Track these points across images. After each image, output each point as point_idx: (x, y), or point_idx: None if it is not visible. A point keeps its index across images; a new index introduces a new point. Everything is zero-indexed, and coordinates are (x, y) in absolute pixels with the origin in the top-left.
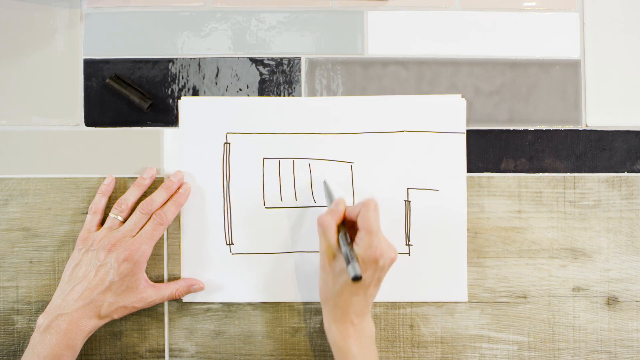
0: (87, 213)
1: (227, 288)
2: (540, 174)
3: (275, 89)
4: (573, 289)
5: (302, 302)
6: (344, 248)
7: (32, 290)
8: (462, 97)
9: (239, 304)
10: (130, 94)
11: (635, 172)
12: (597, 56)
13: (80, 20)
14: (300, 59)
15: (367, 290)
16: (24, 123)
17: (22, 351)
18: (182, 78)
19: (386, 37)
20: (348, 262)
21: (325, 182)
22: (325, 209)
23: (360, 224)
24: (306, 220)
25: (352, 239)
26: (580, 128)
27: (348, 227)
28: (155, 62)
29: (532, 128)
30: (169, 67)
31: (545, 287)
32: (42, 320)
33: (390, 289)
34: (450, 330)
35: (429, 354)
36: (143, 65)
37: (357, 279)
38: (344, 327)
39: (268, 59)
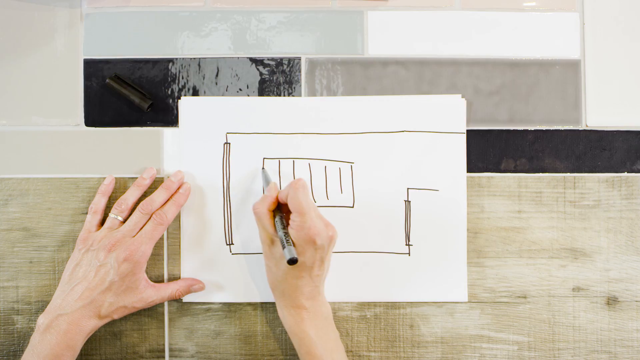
0: (87, 213)
1: (227, 288)
2: (540, 174)
3: (275, 89)
4: (573, 289)
5: None
6: (280, 232)
7: (32, 290)
8: (462, 97)
9: (239, 304)
10: (130, 94)
11: (635, 172)
12: (597, 56)
13: (80, 20)
14: (300, 59)
15: (311, 272)
16: (24, 123)
17: (22, 351)
18: (182, 78)
19: (386, 37)
20: (284, 247)
21: (263, 169)
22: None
23: (290, 206)
24: None
25: (289, 224)
26: (580, 128)
27: (285, 212)
28: (155, 62)
29: (532, 128)
30: (169, 67)
31: (545, 287)
32: (42, 320)
33: (390, 289)
34: (450, 330)
35: (429, 354)
36: (143, 65)
37: (292, 262)
38: (296, 312)
39: (268, 59)
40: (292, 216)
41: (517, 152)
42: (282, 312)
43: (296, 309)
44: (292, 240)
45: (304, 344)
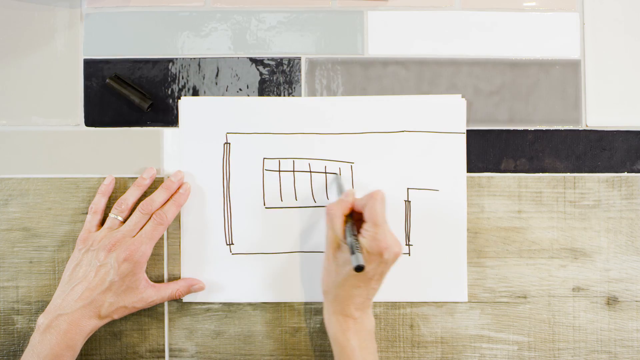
0: (87, 213)
1: (227, 288)
2: (540, 174)
3: (275, 89)
4: (573, 289)
5: (302, 302)
6: (349, 238)
7: (32, 290)
8: (462, 97)
9: (239, 304)
10: (130, 94)
11: (635, 172)
12: (597, 56)
13: (80, 20)
14: (300, 59)
15: (369, 284)
16: (24, 123)
17: (22, 351)
18: (182, 78)
19: (386, 37)
20: (352, 253)
21: (337, 175)
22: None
23: (366, 215)
24: (306, 220)
25: (359, 232)
26: (580, 128)
27: (356, 219)
28: (155, 62)
29: (532, 128)
30: (169, 67)
31: (545, 287)
32: (42, 320)
33: (390, 289)
34: (450, 330)
35: (429, 354)
36: (143, 65)
37: (359, 269)
38: (344, 320)
39: (268, 59)
40: (365, 225)
41: (517, 152)
42: (330, 318)
43: (345, 317)
44: (361, 248)
45: (345, 352)
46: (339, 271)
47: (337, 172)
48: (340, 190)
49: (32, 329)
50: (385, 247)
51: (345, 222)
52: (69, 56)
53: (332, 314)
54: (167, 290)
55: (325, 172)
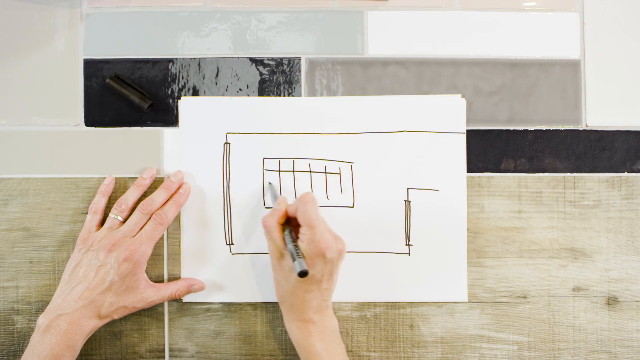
0: (87, 213)
1: (227, 288)
2: (540, 174)
3: (275, 89)
4: (573, 289)
5: None
6: (289, 245)
7: (32, 290)
8: (462, 97)
9: (239, 304)
10: (130, 94)
11: (635, 172)
12: (597, 56)
13: (80, 20)
14: (300, 59)
15: (320, 286)
16: (24, 123)
17: (22, 351)
18: (182, 78)
19: (386, 37)
20: (294, 259)
21: (270, 184)
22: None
23: (300, 219)
24: None
25: (298, 237)
26: (580, 128)
27: (294, 225)
28: (155, 62)
29: (532, 128)
30: (169, 67)
31: (545, 287)
32: (42, 320)
33: (390, 289)
34: (450, 330)
35: (429, 354)
36: (143, 65)
37: (303, 274)
38: (304, 326)
39: (268, 59)
40: (301, 229)
41: (517, 152)
42: (290, 326)
43: (304, 323)
44: (302, 253)
45: (311, 357)
46: (287, 279)
47: (271, 182)
48: (274, 198)
49: (32, 329)
50: (325, 247)
51: (283, 230)
52: (69, 56)
53: (292, 321)
54: (167, 290)
55: (325, 172)
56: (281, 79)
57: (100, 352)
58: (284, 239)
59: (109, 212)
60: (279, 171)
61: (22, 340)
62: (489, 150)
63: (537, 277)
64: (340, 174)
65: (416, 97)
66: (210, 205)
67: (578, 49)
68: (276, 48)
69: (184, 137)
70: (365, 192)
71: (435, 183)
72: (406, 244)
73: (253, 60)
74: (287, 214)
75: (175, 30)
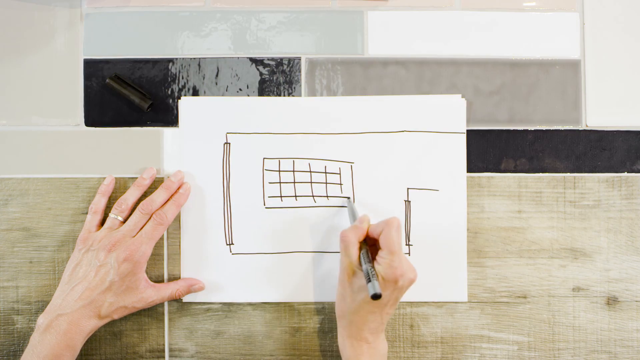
0: (87, 213)
1: (227, 288)
2: (540, 174)
3: (275, 89)
4: (573, 289)
5: (302, 302)
6: (365, 266)
7: (32, 290)
8: (462, 97)
9: (239, 304)
10: (130, 94)
11: (635, 172)
12: (597, 56)
13: (80, 20)
14: (300, 59)
15: (383, 309)
16: (24, 123)
17: (22, 351)
18: (182, 78)
19: (386, 37)
20: (368, 280)
21: (348, 200)
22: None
23: (382, 242)
24: (306, 221)
25: (373, 257)
26: (580, 128)
27: (369, 245)
28: (155, 62)
29: (532, 128)
30: (169, 67)
31: (545, 287)
32: (42, 320)
33: None
34: (450, 330)
35: (429, 354)
36: (143, 65)
37: (376, 297)
38: (358, 345)
39: (268, 59)
40: (381, 252)
41: (517, 152)
42: (344, 342)
43: (359, 341)
44: (377, 275)
45: None
46: (354, 297)
47: (349, 197)
48: (352, 215)
49: (32, 329)
50: (400, 274)
51: (360, 248)
52: (69, 56)
53: (347, 338)
54: (166, 290)
55: (325, 172)
56: (281, 79)
57: (100, 352)
58: (360, 257)
59: (109, 212)
60: (279, 171)
61: (22, 340)
62: (489, 150)
63: (537, 277)
64: (340, 174)
65: (416, 97)
66: (210, 205)
67: (578, 49)
68: (276, 48)
69: (184, 137)
70: (365, 192)
71: (435, 183)
72: (406, 244)
73: (253, 60)
74: (367, 234)
75: (175, 30)
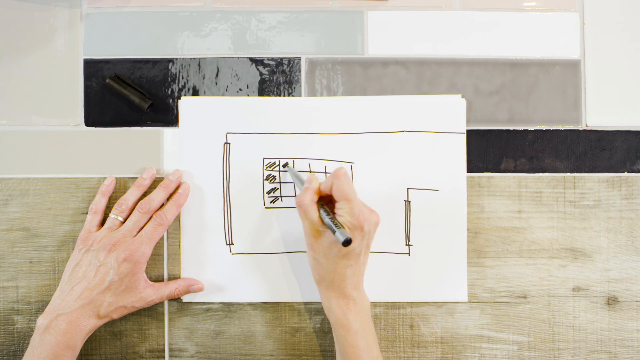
0: (87, 213)
1: (227, 288)
2: (540, 174)
3: (275, 89)
4: (573, 289)
5: (302, 302)
6: (327, 219)
7: (32, 290)
8: (462, 97)
9: (239, 304)
10: (130, 94)
11: (635, 172)
12: (597, 56)
13: (80, 20)
14: (300, 59)
15: (358, 259)
16: (24, 123)
17: (22, 351)
18: (182, 78)
19: (386, 37)
20: (334, 231)
21: (288, 165)
22: None
23: (336, 194)
24: None
25: (332, 212)
26: (580, 128)
27: (325, 202)
28: (155, 62)
29: (532, 128)
30: (169, 67)
31: (545, 287)
32: (41, 321)
33: (390, 289)
34: (450, 330)
35: (429, 354)
36: (143, 65)
37: (348, 242)
38: (345, 302)
39: (268, 59)
40: (338, 204)
41: (517, 152)
42: (330, 303)
43: (345, 299)
44: (341, 225)
45: (349, 336)
46: (327, 255)
47: (287, 164)
48: (297, 179)
49: (32, 329)
50: (363, 219)
51: (317, 208)
52: (69, 56)
53: (332, 298)
54: (165, 290)
55: (325, 172)
56: (281, 79)
57: (100, 352)
58: (320, 215)
59: (109, 212)
60: (279, 171)
61: (22, 340)
62: (489, 150)
63: (537, 277)
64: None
65: (416, 97)
66: (210, 205)
67: (578, 49)
68: (276, 48)
69: (184, 137)
70: (365, 192)
71: (435, 183)
72: (406, 244)
73: (253, 60)
74: (319, 192)
75: (175, 30)
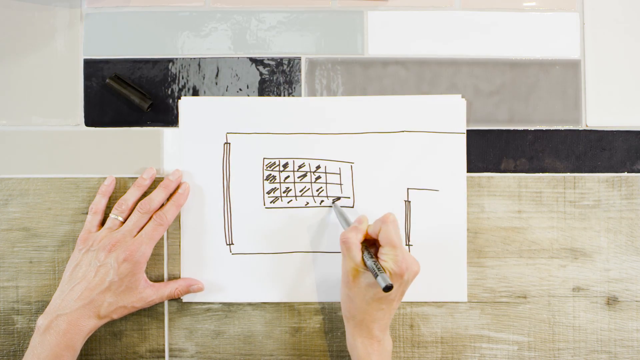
0: (87, 213)
1: (227, 288)
2: (540, 174)
3: (275, 89)
4: (573, 289)
5: (302, 302)
6: (370, 262)
7: (32, 290)
8: (462, 97)
9: (239, 304)
10: (130, 94)
11: (635, 172)
12: (597, 56)
13: (80, 20)
14: (300, 59)
15: (391, 305)
16: (24, 123)
17: (22, 351)
18: (182, 78)
19: (386, 37)
20: (376, 275)
21: (335, 204)
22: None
23: (382, 239)
24: (306, 221)
25: (375, 255)
26: (580, 128)
27: (368, 244)
28: (155, 62)
29: (532, 128)
30: (169, 67)
31: (545, 287)
32: (41, 321)
33: None
34: (450, 330)
35: (429, 354)
36: (143, 65)
37: (388, 288)
38: (369, 343)
39: (268, 59)
40: (382, 249)
41: (517, 152)
42: (355, 342)
43: (369, 340)
44: (383, 269)
45: None
46: (362, 296)
47: (335, 200)
48: (342, 217)
49: (32, 329)
50: (406, 267)
51: (362, 249)
52: (69, 56)
53: (357, 337)
54: (165, 290)
55: (326, 172)
56: (281, 79)
57: (100, 352)
58: (363, 257)
59: (109, 212)
60: (279, 171)
61: (22, 340)
62: (489, 150)
63: (537, 277)
64: (340, 174)
65: (416, 97)
66: (210, 205)
67: (578, 49)
68: (276, 48)
69: (184, 137)
70: (365, 192)
71: (435, 183)
72: (406, 244)
73: (253, 60)
74: (366, 233)
75: (175, 30)
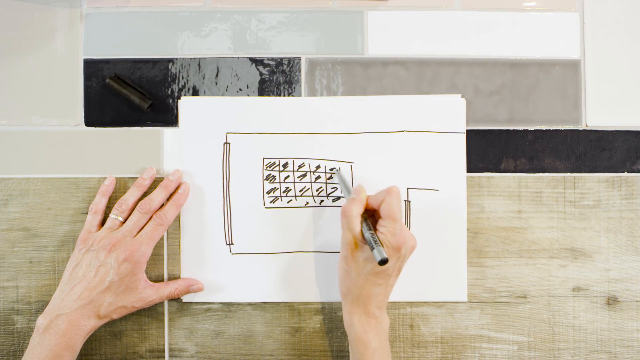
0: (87, 213)
1: (227, 288)
2: (540, 174)
3: (275, 89)
4: (573, 289)
5: (302, 302)
6: (367, 234)
7: (32, 290)
8: (462, 97)
9: (239, 304)
10: (130, 94)
11: (635, 172)
12: (597, 56)
13: (80, 20)
14: (300, 59)
15: (389, 280)
16: (24, 123)
17: (22, 351)
18: (182, 78)
19: (386, 37)
20: (372, 248)
21: (338, 171)
22: (327, 208)
23: (383, 211)
24: (306, 221)
25: (374, 227)
26: (580, 128)
27: (368, 215)
28: (155, 62)
29: (532, 128)
30: (169, 67)
31: (545, 287)
32: (41, 321)
33: None
34: (450, 330)
35: (429, 354)
36: (143, 65)
37: (383, 262)
38: (366, 320)
39: (268, 59)
40: (382, 221)
41: (517, 152)
42: (351, 319)
43: (367, 317)
44: (380, 243)
45: (366, 353)
46: (359, 271)
47: (337, 168)
48: (345, 186)
49: (32, 329)
50: (403, 241)
51: (361, 221)
52: (69, 56)
53: (354, 314)
54: (165, 290)
55: (325, 172)
56: (281, 79)
57: (100, 352)
58: (362, 229)
59: (109, 212)
60: (279, 171)
61: (22, 340)
62: (489, 150)
63: (537, 277)
64: (339, 169)
65: (416, 97)
66: (210, 205)
67: (578, 49)
68: (276, 48)
69: (184, 137)
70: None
71: (435, 183)
72: None
73: (253, 60)
74: (366, 205)
75: (175, 30)
